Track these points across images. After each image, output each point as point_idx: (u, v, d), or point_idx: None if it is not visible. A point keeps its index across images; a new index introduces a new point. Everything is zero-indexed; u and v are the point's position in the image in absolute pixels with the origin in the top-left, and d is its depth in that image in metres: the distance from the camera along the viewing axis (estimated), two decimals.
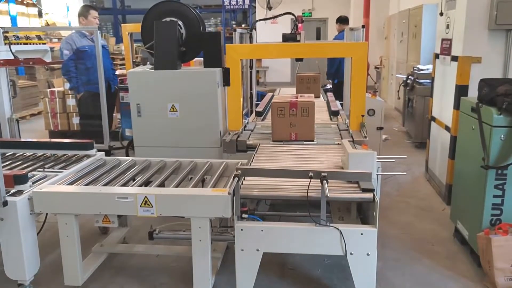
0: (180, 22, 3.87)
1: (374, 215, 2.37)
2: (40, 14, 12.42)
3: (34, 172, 2.90)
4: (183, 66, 3.99)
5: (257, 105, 5.35)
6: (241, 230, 2.45)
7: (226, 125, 4.00)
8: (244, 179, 2.65)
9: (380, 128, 5.04)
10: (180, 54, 3.85)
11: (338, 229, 2.38)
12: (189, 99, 3.73)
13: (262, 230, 2.44)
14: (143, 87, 3.76)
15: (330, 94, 5.80)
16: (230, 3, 15.74)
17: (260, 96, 6.32)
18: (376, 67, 11.62)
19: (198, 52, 4.00)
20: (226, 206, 2.40)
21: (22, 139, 3.52)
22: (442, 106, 4.49)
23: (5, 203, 2.34)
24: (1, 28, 3.27)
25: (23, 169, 2.98)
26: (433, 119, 4.77)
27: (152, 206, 2.45)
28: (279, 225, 2.45)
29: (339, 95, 5.70)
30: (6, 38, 3.34)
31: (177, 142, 3.77)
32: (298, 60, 5.11)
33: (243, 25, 16.35)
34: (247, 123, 4.27)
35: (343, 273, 2.92)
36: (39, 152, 3.34)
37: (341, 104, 5.28)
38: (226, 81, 3.87)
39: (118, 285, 2.89)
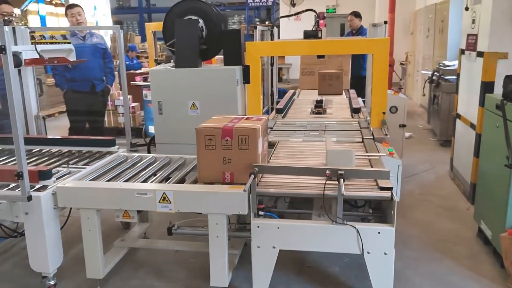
0: (201, 20, 3.91)
1: (392, 213, 2.35)
2: None
3: (58, 168, 2.99)
4: (204, 63, 4.03)
5: (278, 102, 5.35)
6: (258, 227, 2.47)
7: None
8: (262, 177, 2.67)
9: (403, 126, 4.96)
10: (201, 52, 3.89)
11: (355, 227, 2.36)
12: (209, 96, 3.76)
13: (278, 228, 2.45)
14: (164, 85, 3.82)
15: (352, 91, 5.74)
16: (253, 0, 15.78)
17: (282, 93, 6.32)
18: (401, 64, 11.41)
19: (219, 50, 4.04)
20: (242, 203, 2.42)
21: (48, 136, 3.62)
22: (468, 103, 4.37)
23: (29, 198, 2.43)
24: (28, 28, 3.39)
25: (48, 165, 3.07)
26: (458, 116, 4.65)
27: (171, 202, 2.49)
28: (295, 222, 2.46)
29: (358, 90, 5.64)
30: (32, 38, 3.46)
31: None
32: (319, 57, 5.08)
33: (266, 22, 16.35)
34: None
35: (361, 271, 2.89)
36: (65, 149, 3.45)
37: (364, 101, 5.22)
38: (246, 79, 3.89)
39: (138, 279, 2.96)
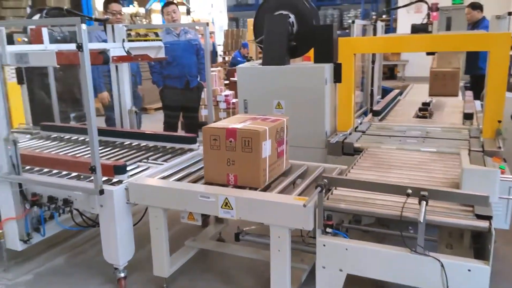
0: (291, 16, 3.70)
1: (489, 248, 1.90)
2: (188, 12, 13.52)
3: (139, 163, 3.07)
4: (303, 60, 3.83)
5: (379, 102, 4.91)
6: (324, 245, 2.21)
7: (335, 125, 3.72)
8: (334, 189, 2.39)
9: None
10: (290, 49, 3.68)
11: (438, 260, 1.96)
12: (295, 96, 3.55)
13: (346, 249, 2.16)
14: (250, 83, 3.71)
15: (469, 93, 5.02)
16: None
17: (389, 92, 5.80)
18: None
19: (310, 47, 3.79)
20: (306, 217, 2.18)
21: (137, 130, 3.78)
22: None
23: (101, 192, 2.50)
24: (125, 26, 3.54)
25: (132, 159, 3.18)
26: None
27: (232, 209, 2.36)
28: (366, 245, 2.13)
29: (477, 92, 4.89)
30: (129, 35, 3.62)
31: None
32: (429, 53, 4.51)
33: (383, 16, 15.41)
34: (360, 123, 3.92)
35: None
36: (151, 143, 3.55)
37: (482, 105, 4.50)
38: (337, 78, 3.59)
39: (205, 282, 2.90)
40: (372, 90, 4.88)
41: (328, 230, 2.22)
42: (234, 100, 7.13)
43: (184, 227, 2.72)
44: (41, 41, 3.00)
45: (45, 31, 3.07)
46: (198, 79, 5.04)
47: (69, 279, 2.95)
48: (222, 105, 7.15)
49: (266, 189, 2.57)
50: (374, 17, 4.86)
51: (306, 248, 2.55)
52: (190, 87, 4.95)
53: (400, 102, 5.23)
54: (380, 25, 4.88)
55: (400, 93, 5.68)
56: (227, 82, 8.84)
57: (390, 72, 13.75)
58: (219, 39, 13.80)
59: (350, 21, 4.04)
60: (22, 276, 2.98)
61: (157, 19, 11.53)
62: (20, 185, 2.79)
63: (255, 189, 2.47)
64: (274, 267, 2.36)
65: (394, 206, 2.15)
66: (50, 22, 3.14)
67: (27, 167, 2.93)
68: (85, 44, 2.30)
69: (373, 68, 4.85)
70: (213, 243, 3.06)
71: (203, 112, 6.64)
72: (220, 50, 13.77)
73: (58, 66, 2.58)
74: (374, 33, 4.60)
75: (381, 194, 2.26)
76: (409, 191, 2.03)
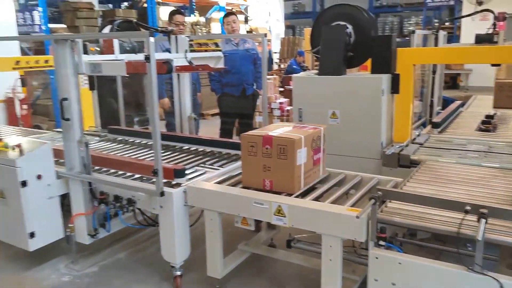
0: (349, 26, 3.71)
1: None
2: (246, 20, 13.80)
3: (197, 167, 3.21)
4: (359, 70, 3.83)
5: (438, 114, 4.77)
6: (376, 258, 2.20)
7: (392, 136, 3.67)
8: (388, 201, 2.38)
9: None
10: (347, 59, 3.69)
11: (498, 280, 1.90)
12: (351, 106, 3.55)
13: (400, 263, 2.14)
14: (306, 92, 3.76)
15: None
16: (433, 0, 14.49)
17: (451, 103, 5.61)
18: None
19: (367, 57, 3.77)
20: (358, 228, 2.18)
21: (195, 136, 3.94)
22: None
23: (162, 193, 2.66)
24: (187, 37, 3.72)
25: (190, 163, 3.33)
26: None
27: (285, 216, 2.41)
28: (420, 260, 2.10)
29: None
30: (191, 45, 3.79)
31: (335, 149, 3.61)
32: (494, 64, 4.33)
33: (446, 24, 14.84)
34: (418, 135, 3.83)
35: None
36: (208, 149, 3.69)
37: None
38: (395, 88, 3.55)
39: (257, 286, 2.98)
40: (432, 101, 4.75)
41: (381, 243, 2.21)
42: (288, 108, 7.19)
43: (236, 231, 2.82)
44: (112, 51, 3.24)
45: (116, 42, 3.31)
46: (254, 87, 5.16)
47: (130, 274, 3.14)
48: (276, 113, 7.24)
49: (304, 195, 2.62)
50: (436, 24, 4.72)
51: (358, 260, 2.56)
52: (246, 94, 5.09)
53: (462, 114, 5.04)
54: (442, 34, 4.74)
55: (462, 104, 5.47)
56: (281, 89, 8.93)
57: (452, 82, 13.18)
58: (276, 47, 13.95)
59: (411, 28, 3.97)
60: (88, 268, 3.22)
61: (216, 27, 11.89)
62: (89, 184, 3.02)
63: (290, 195, 2.55)
64: (325, 276, 2.38)
65: (451, 222, 2.10)
66: (122, 35, 3.39)
67: (96, 168, 3.17)
68: (152, 56, 2.46)
69: (433, 78, 4.72)
70: (265, 248, 3.13)
71: (258, 119, 6.75)
72: (275, 57, 13.91)
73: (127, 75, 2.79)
74: (436, 43, 4.48)
75: (437, 209, 2.22)
76: (468, 207, 1.98)
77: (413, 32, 3.85)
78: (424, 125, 4.65)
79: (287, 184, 2.56)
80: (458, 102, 5.28)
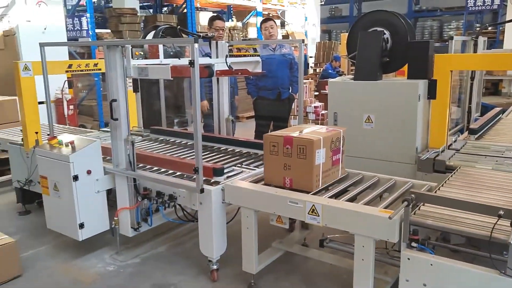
0: (386, 32, 3.76)
1: None
2: (282, 25, 13.93)
3: (234, 167, 3.35)
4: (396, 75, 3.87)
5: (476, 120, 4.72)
6: (408, 259, 2.25)
7: (427, 141, 3.69)
8: (422, 205, 2.43)
9: None
10: (383, 64, 3.74)
11: None
12: (386, 111, 3.60)
13: (431, 264, 2.18)
14: (341, 96, 3.83)
15: None
16: (475, 3, 14.07)
17: (490, 109, 5.51)
18: None
19: (404, 63, 3.80)
20: (390, 229, 2.25)
21: (232, 137, 4.09)
22: None
23: (201, 190, 2.81)
24: (227, 42, 3.88)
25: (227, 163, 3.48)
26: None
27: (319, 215, 2.51)
28: (451, 262, 2.14)
29: None
30: (230, 50, 3.95)
31: (369, 153, 3.69)
32: None
33: (489, 28, 14.42)
34: (455, 140, 3.82)
35: None
36: (244, 150, 3.83)
37: None
38: (432, 94, 3.57)
39: (289, 283, 3.08)
40: (469, 107, 4.71)
41: (414, 244, 2.26)
42: (323, 112, 7.26)
43: (270, 229, 2.93)
44: (157, 56, 3.44)
45: (160, 47, 3.51)
46: (290, 91, 5.26)
47: (170, 266, 3.32)
48: (311, 116, 7.32)
49: (319, 193, 2.74)
50: (477, 29, 4.67)
51: (390, 261, 2.61)
52: (282, 98, 5.20)
53: (502, 121, 4.95)
54: (481, 40, 4.70)
55: (503, 111, 5.37)
56: (316, 93, 8.99)
57: (494, 88, 12.77)
58: (311, 51, 14.00)
59: (451, 33, 3.98)
60: (131, 259, 3.42)
61: (253, 32, 12.08)
62: (134, 180, 3.22)
63: (308, 192, 2.68)
64: (357, 275, 2.45)
65: (483, 227, 2.14)
66: (169, 41, 3.58)
67: (140, 165, 3.37)
68: (196, 61, 2.62)
69: (471, 84, 4.68)
70: (298, 247, 3.23)
71: (292, 123, 6.85)
72: (311, 61, 13.96)
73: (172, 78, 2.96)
74: (475, 49, 4.45)
75: (470, 214, 2.25)
76: (501, 212, 2.01)
77: (452, 38, 3.85)
78: (461, 131, 4.62)
79: (306, 183, 2.70)
80: (497, 109, 5.18)
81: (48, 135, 3.75)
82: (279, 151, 2.74)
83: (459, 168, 3.15)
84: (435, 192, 2.67)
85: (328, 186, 2.88)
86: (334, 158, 2.87)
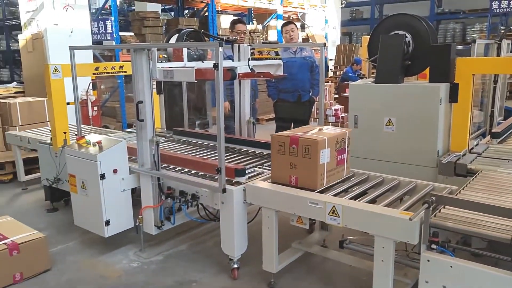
0: (408, 35, 3.77)
1: None
2: (302, 27, 13.96)
3: (255, 168, 3.41)
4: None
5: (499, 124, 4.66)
6: (428, 260, 2.27)
7: (449, 145, 3.68)
8: (442, 207, 2.44)
9: None
10: (404, 68, 3.76)
11: None
12: (407, 114, 3.61)
13: (451, 267, 2.20)
14: (362, 99, 3.86)
15: None
16: (499, 6, 13.84)
17: None
18: None
19: (426, 66, 3.81)
20: (411, 231, 2.28)
21: (253, 139, 4.16)
22: None
23: (224, 190, 2.88)
24: (249, 45, 3.95)
25: (248, 164, 3.54)
26: None
27: (339, 216, 2.55)
28: (471, 265, 2.16)
29: None
30: (252, 53, 4.03)
31: (390, 156, 3.71)
32: None
33: None
34: (476, 144, 3.81)
35: None
36: (265, 151, 3.89)
37: None
38: (453, 98, 3.57)
39: (308, 283, 3.12)
40: (492, 111, 4.66)
41: (434, 246, 2.28)
42: (343, 115, 7.27)
43: (290, 230, 2.98)
44: (181, 59, 3.53)
45: (185, 50, 3.59)
46: (310, 93, 5.30)
47: (191, 264, 3.40)
48: (331, 119, 7.33)
49: (325, 191, 2.81)
50: (502, 32, 4.62)
51: (410, 263, 2.63)
52: (302, 101, 5.24)
53: None
54: (505, 43, 4.65)
55: None
56: (336, 96, 8.99)
57: None
58: (331, 54, 13.98)
59: (474, 35, 3.96)
60: (154, 256, 3.52)
61: (273, 35, 12.14)
62: (158, 179, 3.32)
63: (312, 190, 2.76)
64: (377, 277, 2.48)
65: (504, 230, 2.15)
66: (194, 45, 3.67)
67: (164, 165, 3.46)
68: (220, 64, 2.70)
69: (495, 87, 4.64)
70: (317, 248, 3.27)
71: (313, 125, 6.87)
72: (331, 64, 13.94)
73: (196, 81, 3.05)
74: (498, 52, 4.41)
75: (491, 217, 2.26)
76: None
77: (474, 41, 3.83)
78: (483, 135, 4.58)
79: (311, 181, 2.79)
80: None
81: (76, 135, 3.89)
82: (285, 150, 2.84)
83: (481, 171, 3.14)
84: (456, 195, 2.68)
85: (333, 185, 2.95)
86: (339, 158, 2.94)
